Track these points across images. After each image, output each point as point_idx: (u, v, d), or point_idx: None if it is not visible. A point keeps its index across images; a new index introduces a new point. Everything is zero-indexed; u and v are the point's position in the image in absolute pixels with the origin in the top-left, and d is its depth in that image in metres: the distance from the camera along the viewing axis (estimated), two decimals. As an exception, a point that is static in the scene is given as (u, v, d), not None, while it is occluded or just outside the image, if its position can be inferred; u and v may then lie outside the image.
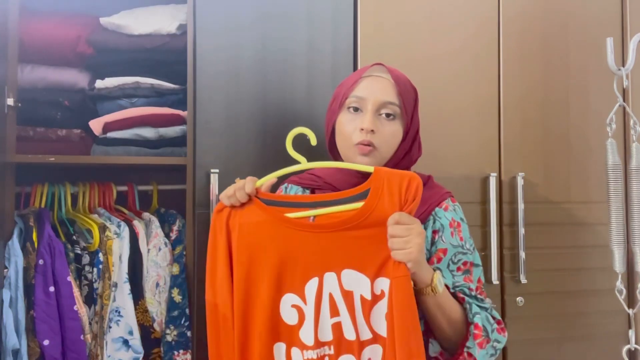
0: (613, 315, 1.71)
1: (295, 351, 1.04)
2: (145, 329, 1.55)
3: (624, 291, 1.19)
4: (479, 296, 1.12)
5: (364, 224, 1.03)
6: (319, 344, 1.03)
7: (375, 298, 1.02)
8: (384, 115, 1.14)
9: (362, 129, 1.12)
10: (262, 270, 1.07)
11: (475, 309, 1.09)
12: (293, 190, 1.26)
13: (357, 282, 1.03)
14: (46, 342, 1.42)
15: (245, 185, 1.09)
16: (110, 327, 1.50)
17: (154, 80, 1.64)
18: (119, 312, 1.51)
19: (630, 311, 1.20)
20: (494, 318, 1.11)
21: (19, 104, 1.55)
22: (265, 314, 1.05)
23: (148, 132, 1.64)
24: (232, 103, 1.57)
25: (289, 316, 1.05)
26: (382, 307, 1.02)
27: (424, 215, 1.15)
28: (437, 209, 1.16)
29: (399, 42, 1.63)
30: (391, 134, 1.15)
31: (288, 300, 1.05)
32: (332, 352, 1.03)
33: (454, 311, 1.07)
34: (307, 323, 1.04)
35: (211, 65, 1.56)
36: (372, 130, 1.12)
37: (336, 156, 1.24)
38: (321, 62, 1.63)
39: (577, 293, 1.73)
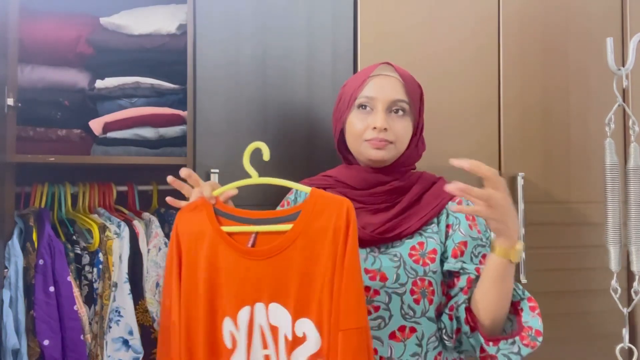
0: (613, 315, 1.70)
1: None
2: (145, 329, 1.55)
3: (619, 290, 1.19)
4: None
5: (291, 250, 0.99)
6: None
7: (296, 340, 0.98)
8: (394, 112, 1.16)
9: (375, 128, 1.14)
10: (202, 286, 1.03)
11: (521, 287, 1.10)
12: (302, 192, 1.27)
13: (282, 319, 0.99)
14: (46, 342, 1.42)
15: (203, 189, 1.08)
16: (110, 327, 1.50)
17: (154, 80, 1.64)
18: (119, 312, 1.51)
19: (625, 310, 1.20)
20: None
21: (19, 104, 1.55)
22: (207, 333, 1.02)
23: (148, 132, 1.64)
24: (232, 103, 1.57)
25: (227, 339, 1.03)
26: (302, 352, 0.97)
27: (436, 209, 1.16)
28: (450, 203, 1.17)
29: (398, 42, 1.63)
30: (403, 128, 1.17)
31: (227, 324, 1.02)
32: None
33: (508, 289, 1.06)
34: (239, 350, 1.01)
35: (211, 65, 1.56)
36: (385, 128, 1.14)
37: (346, 156, 1.24)
38: (321, 61, 1.63)
39: (577, 293, 1.73)
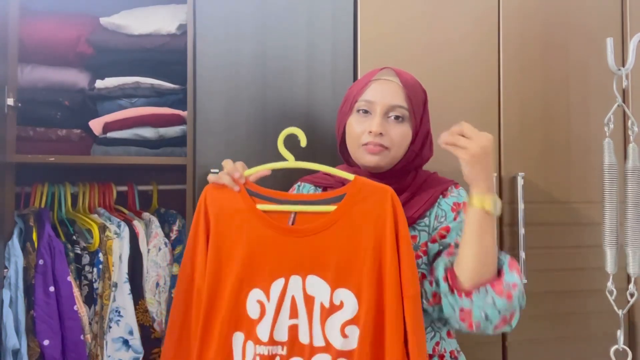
0: (613, 316, 1.70)
1: (249, 344, 1.06)
2: (145, 329, 1.55)
3: (615, 292, 1.19)
4: None
5: (333, 230, 1.05)
6: (272, 342, 1.04)
7: (333, 307, 1.04)
8: (392, 117, 1.16)
9: (371, 132, 1.14)
10: (233, 259, 1.08)
11: (505, 256, 1.09)
12: (306, 189, 1.29)
13: (319, 289, 1.05)
14: (46, 342, 1.42)
15: (234, 170, 1.10)
16: (110, 327, 1.50)
17: (154, 80, 1.64)
18: (119, 312, 1.51)
19: (620, 312, 1.20)
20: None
21: (19, 104, 1.55)
22: (231, 303, 1.06)
23: (148, 132, 1.64)
24: (232, 103, 1.57)
25: (252, 310, 1.07)
26: (338, 318, 1.03)
27: (428, 203, 1.17)
28: (440, 197, 1.19)
29: (398, 43, 1.63)
30: (400, 135, 1.17)
31: (254, 294, 1.07)
32: (284, 352, 1.04)
33: (490, 245, 1.05)
34: (265, 319, 1.06)
35: (211, 65, 1.56)
36: (381, 133, 1.14)
37: (347, 157, 1.25)
38: (321, 61, 1.63)
39: (577, 293, 1.73)
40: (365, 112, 1.17)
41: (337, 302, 1.04)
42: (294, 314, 1.05)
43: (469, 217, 1.06)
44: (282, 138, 1.12)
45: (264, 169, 1.14)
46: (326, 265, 1.05)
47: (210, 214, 1.11)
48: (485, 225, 1.05)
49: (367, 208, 1.05)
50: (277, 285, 1.06)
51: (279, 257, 1.07)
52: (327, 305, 1.04)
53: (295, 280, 1.06)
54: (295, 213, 1.09)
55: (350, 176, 1.09)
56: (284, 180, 1.34)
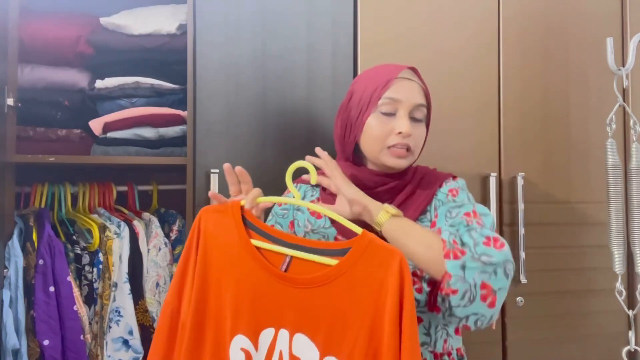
0: (613, 316, 1.71)
1: None
2: (145, 329, 1.55)
3: (624, 292, 1.19)
4: (472, 225, 1.02)
5: (331, 287, 0.95)
6: None
7: None
8: (415, 117, 1.15)
9: (400, 132, 1.12)
10: (219, 296, 0.99)
11: (446, 229, 1.02)
12: (302, 190, 1.26)
13: (307, 352, 0.95)
14: (46, 342, 1.42)
15: (247, 200, 1.05)
16: (110, 327, 1.50)
17: (154, 80, 1.64)
18: (119, 312, 1.51)
19: (630, 312, 1.19)
20: (487, 237, 0.98)
21: (19, 104, 1.55)
22: (215, 347, 0.98)
23: (148, 132, 1.64)
24: (232, 103, 1.57)
25: (235, 358, 0.98)
26: None
27: (428, 197, 1.17)
28: (437, 190, 1.18)
29: (398, 43, 1.63)
30: (420, 136, 1.17)
31: (238, 341, 0.97)
32: None
33: (423, 235, 1.02)
34: None
35: (211, 65, 1.56)
36: (410, 135, 1.13)
37: (348, 154, 1.22)
38: (321, 61, 1.63)
39: (577, 293, 1.73)
40: (388, 111, 1.14)
41: None
42: None
43: (388, 233, 1.04)
44: (291, 173, 1.06)
45: (269, 202, 1.08)
46: (318, 325, 0.94)
47: (201, 242, 1.02)
48: (401, 224, 1.04)
49: (372, 270, 0.94)
50: (266, 336, 0.97)
51: (268, 304, 0.97)
52: None
53: (283, 335, 0.96)
54: (291, 257, 0.99)
55: (358, 229, 0.98)
56: (282, 182, 1.34)
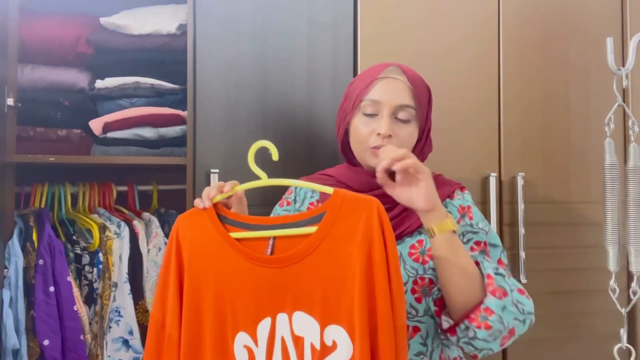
0: (613, 316, 1.70)
1: None
2: (146, 329, 1.54)
3: (617, 290, 1.19)
4: (499, 269, 1.04)
5: (316, 255, 0.93)
6: None
7: (325, 349, 0.91)
8: (399, 118, 1.13)
9: (379, 134, 1.11)
10: (212, 298, 0.96)
11: (487, 264, 1.03)
12: (302, 191, 1.26)
13: (308, 327, 0.92)
14: (46, 342, 1.42)
15: (209, 192, 1.01)
16: (110, 327, 1.50)
17: (154, 80, 1.64)
18: (119, 312, 1.51)
19: (623, 310, 1.20)
20: (517, 287, 1.03)
21: (19, 104, 1.55)
22: (216, 352, 0.95)
23: (148, 132, 1.64)
24: (232, 103, 1.57)
25: (240, 357, 0.95)
26: None
27: None
28: (447, 200, 1.16)
29: (398, 42, 1.63)
30: (408, 135, 1.14)
31: (241, 339, 0.95)
32: None
33: (466, 263, 1.01)
34: None
35: (211, 65, 1.56)
36: (390, 135, 1.11)
37: (349, 157, 1.23)
38: (321, 61, 1.63)
39: (577, 293, 1.73)
40: (371, 112, 1.13)
41: (329, 342, 0.91)
42: (286, 357, 0.93)
43: (438, 245, 1.01)
44: (253, 153, 1.01)
45: (235, 191, 1.03)
46: (313, 298, 0.92)
47: (182, 249, 0.99)
48: (456, 245, 1.02)
49: (351, 225, 0.92)
50: (263, 327, 0.94)
51: (261, 294, 0.94)
52: (318, 346, 0.91)
53: (282, 319, 0.94)
54: (274, 238, 0.97)
55: (329, 189, 0.97)
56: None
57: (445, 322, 1.05)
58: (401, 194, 1.03)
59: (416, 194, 1.02)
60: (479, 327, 0.98)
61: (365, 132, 1.13)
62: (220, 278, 0.97)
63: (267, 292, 0.95)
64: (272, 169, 1.14)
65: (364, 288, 0.90)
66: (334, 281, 0.92)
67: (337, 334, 0.91)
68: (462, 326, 1.01)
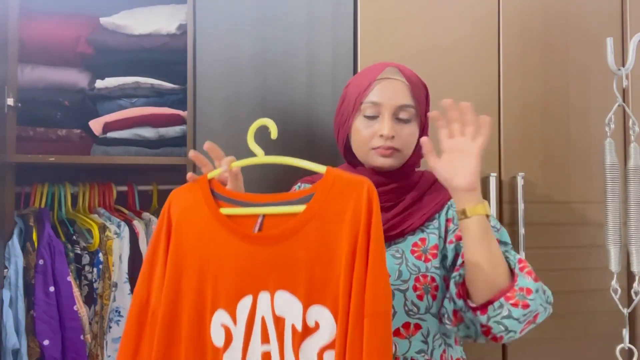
0: (613, 316, 1.70)
1: None
2: (145, 329, 1.55)
3: (619, 291, 1.19)
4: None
5: (304, 234, 0.90)
6: None
7: (307, 330, 0.88)
8: (400, 118, 1.14)
9: (382, 135, 1.12)
10: (193, 274, 0.95)
11: (514, 254, 1.06)
12: (303, 187, 1.27)
13: (290, 308, 0.89)
14: (46, 342, 1.42)
15: (222, 164, 1.03)
16: (110, 327, 1.50)
17: (154, 80, 1.64)
18: (119, 312, 1.52)
19: (625, 311, 1.20)
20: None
21: (19, 104, 1.55)
22: (192, 329, 0.93)
23: (148, 132, 1.64)
24: (232, 103, 1.57)
25: (217, 336, 0.93)
26: (314, 342, 0.87)
27: (438, 205, 1.16)
28: (451, 200, 1.15)
29: (399, 41, 1.63)
30: (410, 135, 1.15)
31: (218, 317, 0.93)
32: None
33: (495, 247, 1.01)
34: (234, 346, 0.91)
35: (211, 65, 1.56)
36: (392, 136, 1.12)
37: (350, 160, 1.23)
38: (321, 61, 1.63)
39: (577, 293, 1.73)
40: (371, 114, 1.14)
41: (311, 324, 0.88)
42: (265, 338, 0.90)
43: (472, 227, 1.01)
44: (253, 131, 1.01)
45: (231, 167, 1.02)
46: (297, 277, 0.89)
47: (173, 226, 0.98)
48: (488, 229, 1.02)
49: (342, 205, 0.89)
50: (244, 305, 0.91)
51: (244, 270, 0.92)
52: (299, 327, 0.88)
53: (263, 298, 0.91)
54: (263, 216, 0.95)
55: (321, 168, 0.94)
56: (285, 182, 1.34)
57: (472, 303, 1.05)
58: (443, 167, 1.03)
59: (461, 170, 1.01)
60: (515, 305, 0.99)
61: (367, 134, 1.14)
62: (204, 253, 0.95)
63: (251, 269, 0.92)
64: (272, 168, 1.14)
65: (351, 271, 0.87)
66: (320, 261, 0.89)
67: (320, 314, 0.88)
68: (497, 304, 1.00)
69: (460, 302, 1.06)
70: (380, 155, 1.13)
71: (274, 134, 1.00)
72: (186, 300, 0.94)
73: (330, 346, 0.86)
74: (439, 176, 1.05)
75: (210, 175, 1.01)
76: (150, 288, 0.97)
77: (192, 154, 1.06)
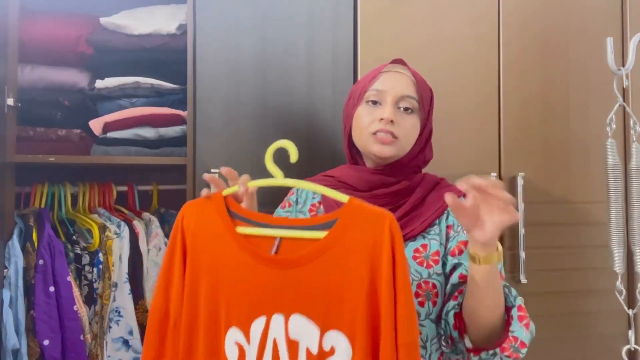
0: (613, 316, 1.71)
1: None
2: (145, 329, 1.55)
3: (624, 291, 1.18)
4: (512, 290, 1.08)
5: (322, 261, 0.91)
6: None
7: (323, 354, 0.89)
8: (402, 108, 1.15)
9: (382, 119, 1.12)
10: (208, 292, 0.96)
11: (514, 292, 1.07)
12: (304, 192, 1.26)
13: (305, 331, 0.90)
14: (46, 342, 1.42)
15: (239, 183, 1.01)
16: (110, 327, 1.50)
17: (154, 80, 1.64)
18: (119, 312, 1.51)
19: (630, 311, 1.19)
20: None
21: (19, 104, 1.55)
22: (207, 345, 0.95)
23: (148, 132, 1.64)
24: (232, 103, 1.57)
25: (230, 353, 0.94)
26: None
27: (438, 212, 1.15)
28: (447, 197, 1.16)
29: (399, 41, 1.63)
30: (410, 125, 1.15)
31: (232, 335, 0.94)
32: None
33: (499, 292, 1.02)
34: None
35: (211, 65, 1.56)
36: (392, 121, 1.12)
37: (353, 154, 1.23)
38: (321, 61, 1.63)
39: (577, 293, 1.73)
40: (375, 102, 1.15)
41: (327, 348, 0.89)
42: (276, 359, 0.91)
43: (480, 274, 0.99)
44: (272, 152, 0.98)
45: (248, 186, 1.01)
46: (314, 302, 0.90)
47: (187, 237, 0.98)
48: (495, 276, 1.00)
49: (363, 236, 0.90)
50: (257, 325, 0.92)
51: (258, 291, 0.93)
52: (314, 351, 0.89)
53: (277, 321, 0.92)
54: (280, 239, 0.95)
55: (344, 197, 0.94)
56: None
57: (469, 343, 1.06)
58: (468, 215, 0.95)
59: (487, 228, 0.94)
60: (509, 357, 1.02)
61: (368, 120, 1.15)
62: (218, 270, 0.95)
63: (266, 291, 0.93)
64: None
65: (369, 299, 0.88)
66: (338, 289, 0.90)
67: (336, 339, 0.89)
68: (491, 352, 1.03)
69: (455, 334, 1.07)
70: (380, 141, 1.13)
71: (293, 157, 0.97)
72: (202, 316, 0.95)
73: None
74: (459, 219, 0.98)
75: (225, 192, 0.99)
76: (169, 299, 0.98)
77: (206, 176, 1.03)
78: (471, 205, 0.93)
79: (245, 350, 0.93)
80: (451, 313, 1.08)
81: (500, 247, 0.99)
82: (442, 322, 1.11)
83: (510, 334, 1.02)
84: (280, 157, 0.99)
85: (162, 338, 0.98)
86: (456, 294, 1.09)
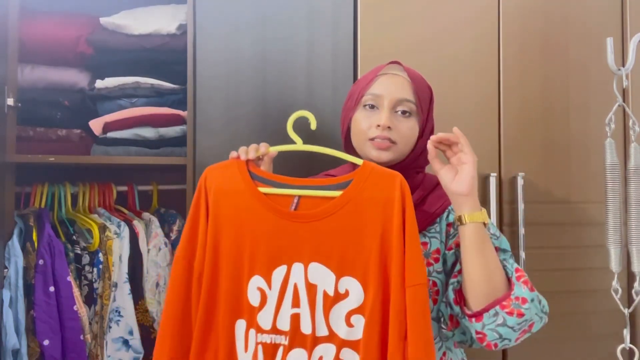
0: (613, 316, 1.70)
1: (251, 332, 1.04)
2: (145, 329, 1.55)
3: (620, 291, 1.19)
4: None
5: (338, 216, 1.03)
6: (275, 330, 1.03)
7: (338, 296, 1.02)
8: (400, 112, 1.15)
9: (379, 125, 1.12)
10: (232, 244, 1.05)
11: (511, 261, 1.09)
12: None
13: (323, 277, 1.02)
14: (46, 342, 1.42)
15: (246, 151, 1.10)
16: (110, 327, 1.50)
17: (154, 80, 1.64)
18: (119, 312, 1.52)
19: (626, 310, 1.19)
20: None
21: (19, 104, 1.55)
22: (231, 290, 1.05)
23: (148, 132, 1.64)
24: (232, 103, 1.57)
25: (253, 297, 1.04)
26: (343, 306, 1.02)
27: (439, 210, 1.16)
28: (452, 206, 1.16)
29: (399, 41, 1.63)
30: (408, 129, 1.15)
31: (255, 282, 1.04)
32: (286, 342, 1.02)
33: (492, 253, 1.05)
34: (267, 308, 1.03)
35: (211, 65, 1.56)
36: (389, 127, 1.12)
37: (352, 155, 1.23)
38: (321, 61, 1.63)
39: (577, 293, 1.73)
40: (372, 106, 1.15)
41: (342, 291, 1.02)
42: (296, 302, 1.02)
43: (468, 233, 1.04)
44: (292, 121, 1.11)
45: (272, 150, 1.13)
46: (330, 252, 1.02)
47: (209, 195, 1.07)
48: (485, 237, 1.04)
49: (375, 194, 1.03)
50: (279, 273, 1.04)
51: (280, 243, 1.04)
52: (331, 293, 1.02)
53: (297, 268, 1.03)
54: (299, 197, 1.06)
55: (359, 161, 1.08)
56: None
57: (468, 310, 1.06)
58: (446, 174, 1.08)
59: (460, 176, 1.06)
60: (510, 314, 1.01)
61: (365, 125, 1.15)
62: (241, 226, 1.05)
63: (286, 242, 1.04)
64: (274, 167, 1.14)
65: (381, 249, 1.01)
66: (352, 241, 1.02)
67: (350, 284, 1.01)
68: (492, 312, 1.02)
69: (457, 308, 1.07)
70: (377, 147, 1.13)
71: (313, 125, 1.12)
72: (224, 265, 1.05)
73: (356, 311, 1.01)
74: (441, 181, 1.09)
75: (249, 154, 1.10)
76: (194, 252, 1.07)
77: (234, 153, 1.12)
78: (449, 164, 1.09)
79: (267, 294, 1.04)
80: (450, 288, 1.09)
81: (485, 210, 1.06)
82: (442, 304, 1.12)
83: (512, 295, 1.03)
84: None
85: (188, 287, 1.06)
86: (455, 272, 1.11)
